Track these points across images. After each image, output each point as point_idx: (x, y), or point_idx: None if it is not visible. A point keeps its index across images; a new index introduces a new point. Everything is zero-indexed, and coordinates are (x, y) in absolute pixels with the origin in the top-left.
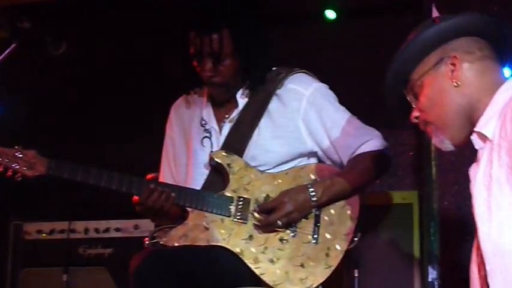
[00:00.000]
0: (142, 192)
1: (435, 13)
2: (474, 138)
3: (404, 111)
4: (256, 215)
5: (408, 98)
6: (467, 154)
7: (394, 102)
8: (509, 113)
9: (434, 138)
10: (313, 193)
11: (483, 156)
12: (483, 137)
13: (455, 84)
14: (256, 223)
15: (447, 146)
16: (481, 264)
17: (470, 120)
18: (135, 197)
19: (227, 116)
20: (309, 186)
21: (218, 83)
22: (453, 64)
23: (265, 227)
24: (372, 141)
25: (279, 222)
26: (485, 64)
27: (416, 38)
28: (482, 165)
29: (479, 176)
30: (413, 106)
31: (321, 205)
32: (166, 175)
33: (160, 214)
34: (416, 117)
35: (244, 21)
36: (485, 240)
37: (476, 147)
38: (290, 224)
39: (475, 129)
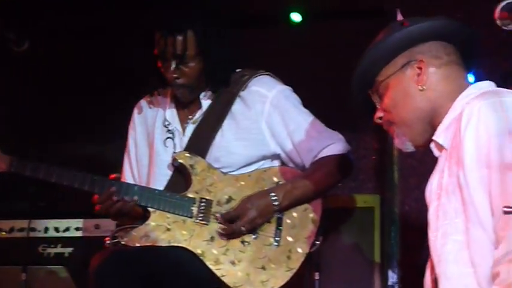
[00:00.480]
0: (102, 194)
1: (400, 17)
2: (432, 146)
3: (369, 111)
4: (220, 225)
5: (373, 99)
6: (429, 159)
7: (359, 102)
8: (462, 122)
9: (396, 139)
10: (275, 197)
11: (439, 166)
12: (439, 146)
13: (420, 88)
14: (221, 231)
15: (408, 147)
16: (433, 268)
17: (432, 124)
18: (95, 196)
19: (190, 117)
20: (270, 191)
21: (182, 85)
22: (419, 68)
23: (230, 235)
24: (334, 144)
25: (243, 229)
26: (451, 70)
27: (385, 39)
28: (437, 174)
29: (434, 185)
30: (378, 107)
31: (283, 209)
32: (127, 175)
33: (119, 215)
34: (380, 118)
35: (209, 23)
36: (432, 248)
37: (435, 155)
38: (254, 229)
39: (433, 137)
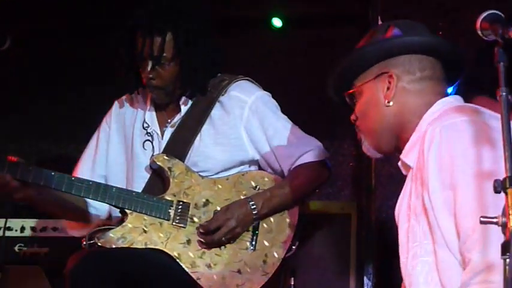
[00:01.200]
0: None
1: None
2: (400, 165)
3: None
4: (201, 237)
5: (348, 101)
6: None
7: (336, 100)
8: (425, 144)
9: (362, 144)
10: (254, 206)
11: (407, 184)
12: (406, 166)
13: (387, 104)
14: (201, 241)
15: (373, 153)
16: None
17: (399, 137)
18: None
19: (169, 120)
20: (249, 200)
21: (157, 86)
22: (390, 82)
23: (211, 244)
24: (312, 151)
25: (224, 239)
26: (423, 85)
27: (365, 47)
28: (406, 194)
29: (403, 206)
30: (354, 108)
31: (262, 217)
32: (85, 164)
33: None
34: (354, 121)
35: (189, 27)
36: (403, 271)
37: (403, 173)
38: (234, 238)
39: (401, 156)
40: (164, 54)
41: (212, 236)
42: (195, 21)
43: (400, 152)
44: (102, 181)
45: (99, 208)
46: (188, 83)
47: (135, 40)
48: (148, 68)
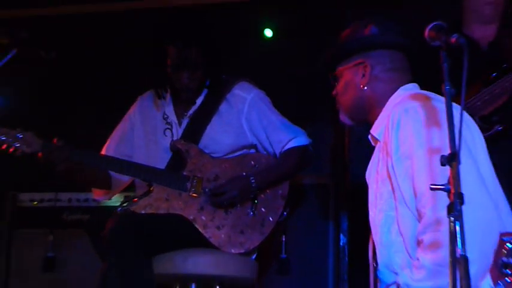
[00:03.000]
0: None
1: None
2: (370, 138)
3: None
4: (210, 200)
5: (331, 80)
6: (373, 148)
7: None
8: (390, 123)
9: (340, 114)
10: (253, 181)
11: (375, 154)
12: (375, 139)
13: (361, 87)
14: (209, 203)
15: (347, 122)
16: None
17: (369, 113)
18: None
19: (185, 113)
20: (250, 175)
21: (192, 89)
22: (365, 70)
23: (216, 206)
24: (298, 137)
25: (226, 203)
26: (391, 75)
27: (348, 42)
28: (375, 162)
29: (372, 171)
30: (335, 85)
31: (259, 190)
32: (110, 147)
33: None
34: (334, 95)
35: (210, 40)
36: (371, 222)
37: (373, 144)
38: (234, 204)
39: (370, 131)
40: (198, 63)
41: (218, 199)
42: (213, 36)
43: (369, 126)
44: (126, 159)
45: (119, 179)
46: (206, 81)
47: (169, 53)
48: (186, 75)
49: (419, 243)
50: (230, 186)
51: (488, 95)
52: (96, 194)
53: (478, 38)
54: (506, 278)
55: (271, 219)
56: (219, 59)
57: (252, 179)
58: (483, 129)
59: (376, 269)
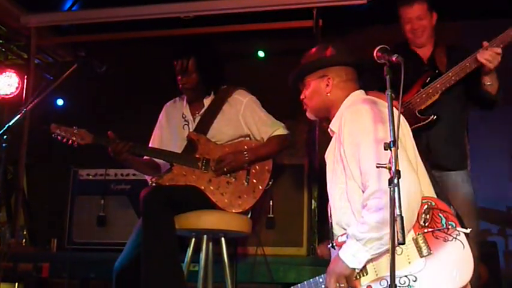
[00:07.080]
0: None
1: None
2: (329, 130)
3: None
4: (213, 167)
5: (301, 88)
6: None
7: (294, 87)
8: (342, 121)
9: (307, 112)
10: (246, 153)
11: (332, 142)
12: (332, 131)
13: (326, 93)
14: (213, 171)
15: (312, 117)
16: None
17: (329, 112)
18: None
19: (197, 112)
20: (244, 150)
21: (189, 89)
22: (328, 81)
23: (218, 171)
24: (280, 129)
25: (225, 169)
26: (347, 85)
27: (314, 61)
28: (332, 148)
29: (330, 154)
30: (303, 92)
31: (250, 161)
32: (155, 141)
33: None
34: (302, 99)
35: (202, 53)
36: (328, 191)
37: (331, 135)
38: (233, 170)
39: (329, 125)
40: (188, 68)
41: (219, 165)
42: (206, 51)
43: (329, 122)
44: None
45: (162, 164)
46: (209, 87)
47: (174, 63)
48: (181, 78)
49: (364, 206)
50: (228, 155)
51: (424, 93)
52: (148, 174)
53: (420, 54)
54: (424, 230)
55: (260, 187)
56: (211, 67)
57: (245, 153)
58: (421, 119)
59: (331, 224)
